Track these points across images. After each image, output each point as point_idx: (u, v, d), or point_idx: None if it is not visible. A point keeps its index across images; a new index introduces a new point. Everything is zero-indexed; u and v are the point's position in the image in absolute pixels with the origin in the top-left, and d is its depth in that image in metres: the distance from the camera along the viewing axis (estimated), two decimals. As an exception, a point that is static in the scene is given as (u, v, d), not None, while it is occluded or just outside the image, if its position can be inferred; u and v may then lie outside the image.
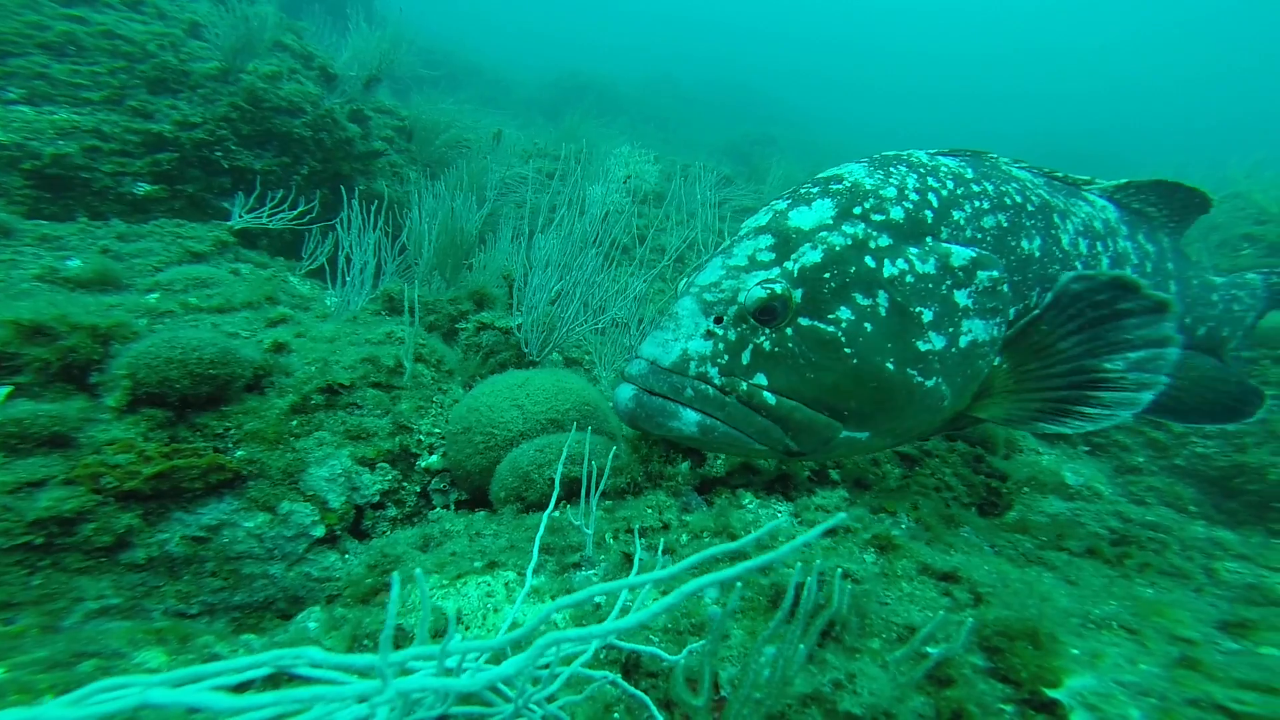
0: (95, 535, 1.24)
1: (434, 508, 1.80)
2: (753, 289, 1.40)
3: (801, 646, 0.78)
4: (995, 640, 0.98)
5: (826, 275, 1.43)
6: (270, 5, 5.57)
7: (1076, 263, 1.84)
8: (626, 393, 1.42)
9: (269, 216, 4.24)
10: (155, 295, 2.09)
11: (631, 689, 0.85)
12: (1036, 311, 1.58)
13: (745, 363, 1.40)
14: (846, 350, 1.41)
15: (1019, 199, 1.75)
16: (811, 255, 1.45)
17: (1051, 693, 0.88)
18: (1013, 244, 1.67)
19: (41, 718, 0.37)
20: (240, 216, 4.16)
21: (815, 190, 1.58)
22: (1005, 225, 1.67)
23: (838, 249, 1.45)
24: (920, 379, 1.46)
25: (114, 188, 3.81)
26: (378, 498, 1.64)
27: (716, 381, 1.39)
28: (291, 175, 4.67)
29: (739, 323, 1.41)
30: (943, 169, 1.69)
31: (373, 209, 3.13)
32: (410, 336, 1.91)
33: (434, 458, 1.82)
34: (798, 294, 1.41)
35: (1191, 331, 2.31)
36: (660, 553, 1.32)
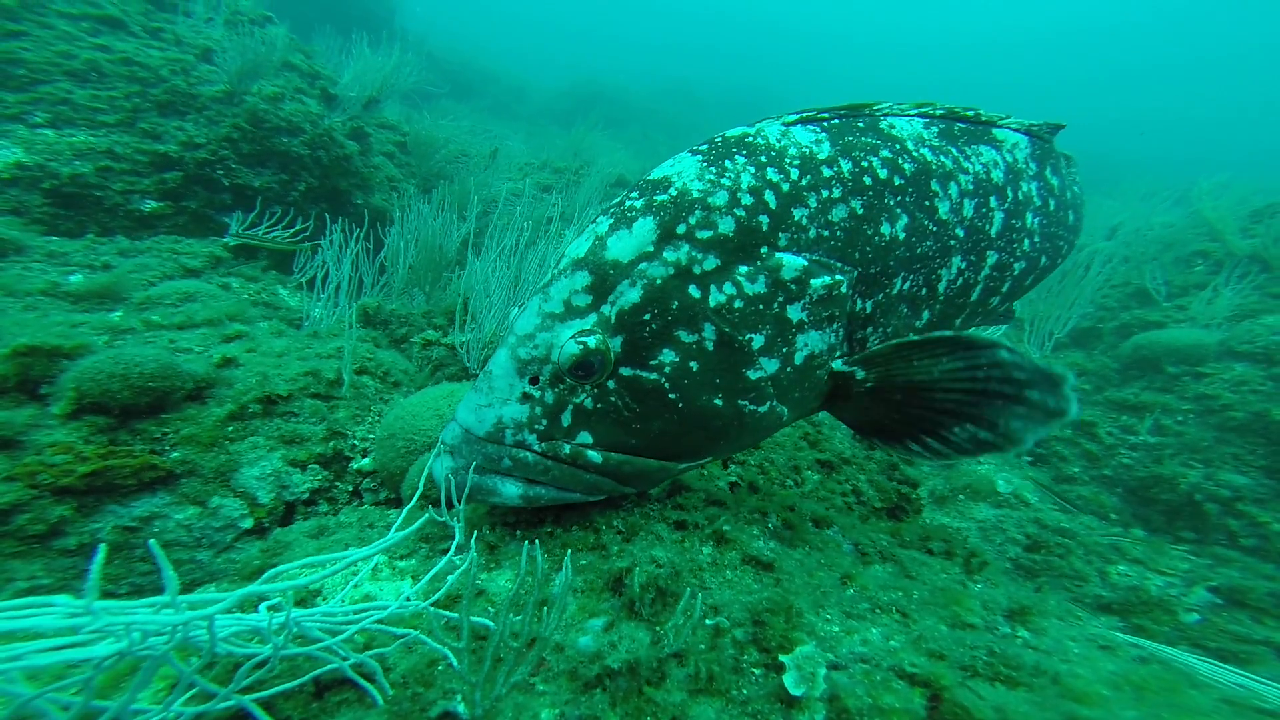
0: (29, 524, 1.46)
1: (364, 505, 2.03)
2: (567, 344, 1.29)
3: (554, 611, 0.98)
4: (764, 615, 1.16)
5: (647, 316, 1.32)
6: (280, 28, 5.92)
7: (958, 229, 1.68)
8: (443, 467, 1.36)
9: (264, 233, 4.53)
10: (119, 313, 2.35)
11: (434, 643, 1.05)
12: (928, 367, 1.37)
13: (566, 425, 1.34)
14: (671, 396, 1.34)
15: (884, 173, 1.55)
16: (630, 295, 1.32)
17: (782, 657, 1.06)
18: (869, 232, 1.50)
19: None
20: (238, 233, 4.46)
21: (639, 204, 1.39)
22: (860, 212, 1.50)
23: (659, 283, 1.32)
24: (753, 407, 1.41)
25: (123, 205, 4.10)
26: (308, 495, 1.87)
27: (537, 448, 1.33)
28: (289, 191, 4.94)
29: (556, 383, 1.33)
30: (791, 151, 1.48)
31: (351, 233, 3.40)
32: (349, 351, 2.15)
33: (366, 460, 2.05)
34: (616, 343, 1.32)
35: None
36: (529, 542, 1.52)
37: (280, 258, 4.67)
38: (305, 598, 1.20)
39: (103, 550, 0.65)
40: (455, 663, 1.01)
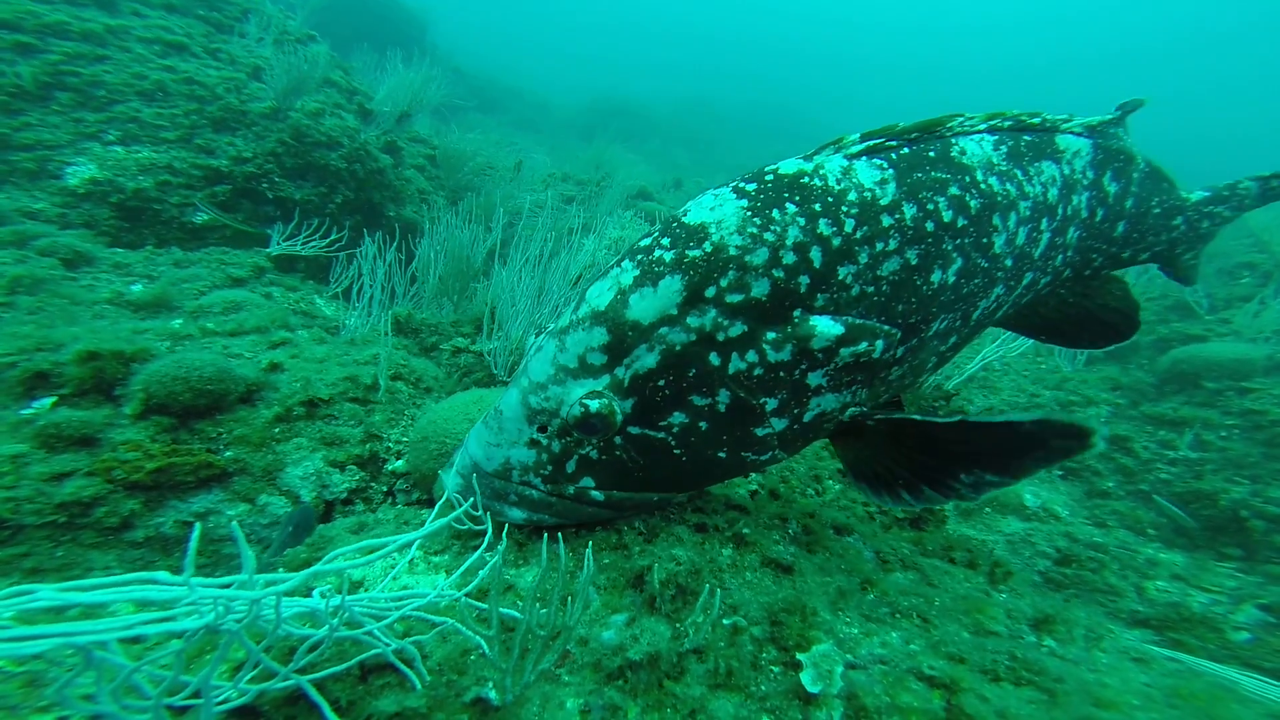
0: (105, 517, 1.59)
1: (398, 505, 2.12)
2: (575, 406, 1.30)
3: (578, 602, 1.03)
4: (781, 615, 1.19)
5: (661, 383, 1.30)
6: (322, 46, 6.21)
7: (1007, 260, 1.60)
8: (453, 485, 1.47)
9: (303, 244, 4.73)
10: (179, 321, 2.51)
11: (468, 631, 1.11)
12: (948, 421, 1.31)
13: (570, 471, 1.39)
14: (677, 451, 1.35)
15: (949, 216, 1.44)
16: (646, 360, 1.29)
17: (799, 655, 1.09)
18: (918, 282, 1.42)
19: None
20: (278, 244, 4.67)
21: (669, 257, 1.31)
22: (914, 263, 1.40)
23: (678, 349, 1.28)
24: (755, 457, 1.42)
25: (178, 217, 4.31)
26: (345, 494, 1.97)
27: (541, 488, 1.40)
28: (327, 204, 5.13)
29: (563, 435, 1.36)
30: (850, 196, 1.36)
31: (384, 244, 3.56)
32: (384, 358, 2.26)
33: (399, 462, 2.14)
34: (627, 405, 1.32)
35: (1134, 259, 2.14)
36: (547, 540, 1.58)
37: (319, 266, 4.86)
38: (350, 588, 1.27)
39: (198, 529, 0.73)
40: (487, 650, 1.07)
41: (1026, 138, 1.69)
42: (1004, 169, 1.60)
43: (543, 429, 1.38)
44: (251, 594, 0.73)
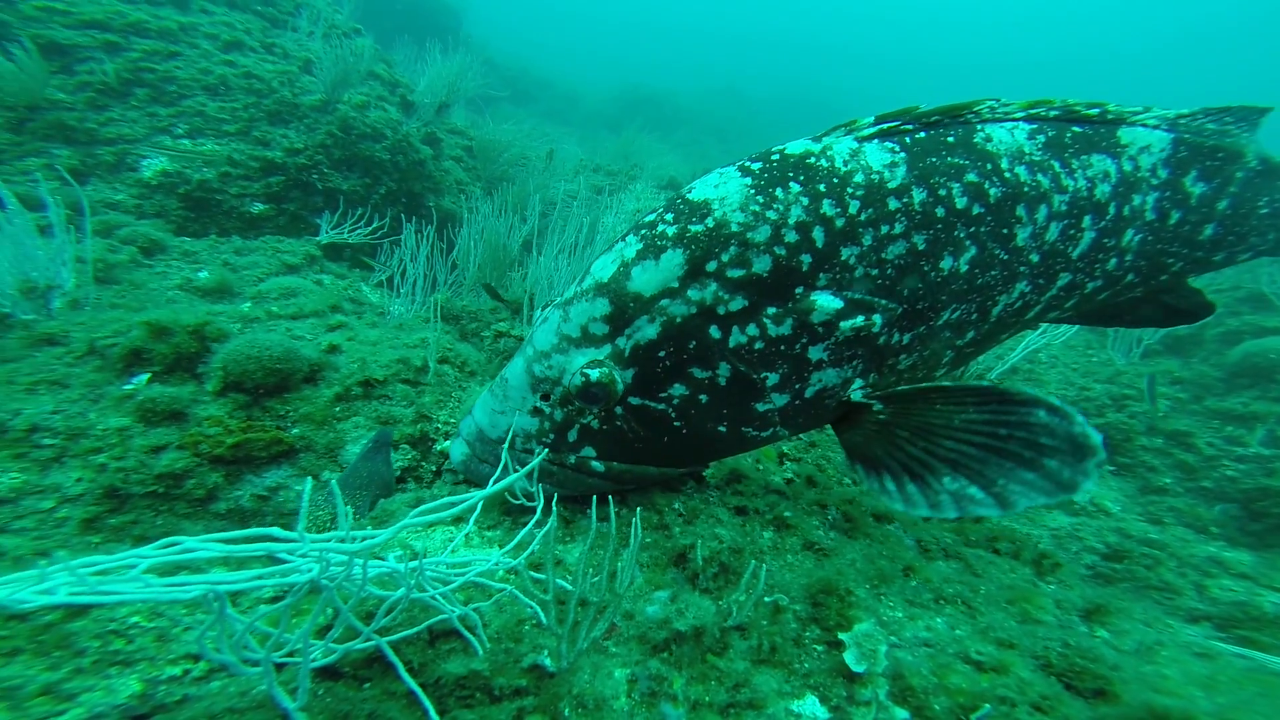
0: (194, 489, 1.72)
1: (447, 484, 2.21)
2: (576, 374, 1.34)
3: (626, 573, 1.08)
4: (821, 597, 1.22)
5: (662, 354, 1.33)
6: (367, 39, 6.38)
7: (1033, 255, 1.53)
8: (459, 452, 1.52)
9: (349, 232, 4.91)
10: (248, 304, 2.67)
11: (526, 600, 1.18)
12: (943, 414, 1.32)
13: (572, 440, 1.42)
14: (677, 424, 1.38)
15: (963, 202, 1.41)
16: (647, 331, 1.33)
17: (840, 634, 1.11)
18: (925, 268, 1.40)
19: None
20: (327, 233, 4.86)
21: (671, 232, 1.34)
22: (922, 248, 1.38)
23: (679, 321, 1.31)
24: (756, 433, 1.44)
25: (237, 207, 4.52)
26: (399, 472, 2.07)
27: (544, 456, 1.41)
28: (371, 194, 5.30)
29: (565, 403, 1.40)
30: (856, 179, 1.36)
31: (425, 234, 3.68)
32: (433, 341, 2.35)
33: (448, 443, 2.24)
34: (628, 375, 1.35)
35: (1230, 261, 1.99)
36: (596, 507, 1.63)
37: (361, 257, 5.03)
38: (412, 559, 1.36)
39: (309, 484, 0.81)
40: (543, 618, 1.13)
41: (1076, 129, 1.60)
42: (1037, 159, 1.52)
43: (545, 397, 1.41)
44: (353, 547, 0.80)
